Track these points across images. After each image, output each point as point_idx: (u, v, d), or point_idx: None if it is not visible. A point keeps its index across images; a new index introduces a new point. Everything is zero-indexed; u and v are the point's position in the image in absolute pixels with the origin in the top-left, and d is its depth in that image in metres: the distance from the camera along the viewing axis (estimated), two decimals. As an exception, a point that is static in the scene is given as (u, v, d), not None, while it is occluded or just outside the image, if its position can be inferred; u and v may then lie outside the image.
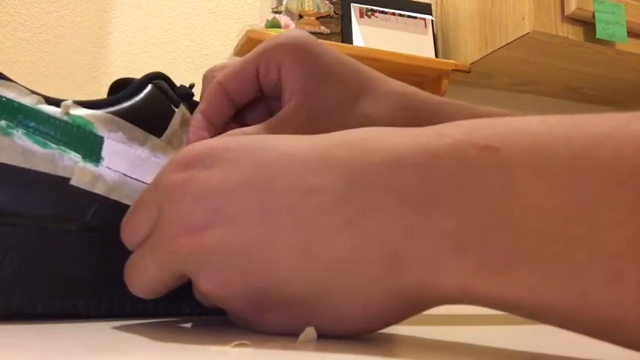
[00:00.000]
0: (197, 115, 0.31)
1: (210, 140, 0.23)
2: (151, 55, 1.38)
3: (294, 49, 0.31)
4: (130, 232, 0.24)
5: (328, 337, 0.21)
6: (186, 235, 0.20)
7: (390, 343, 0.22)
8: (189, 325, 0.26)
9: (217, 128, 0.32)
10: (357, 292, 0.20)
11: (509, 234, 0.17)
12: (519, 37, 1.35)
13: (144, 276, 0.23)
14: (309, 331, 0.20)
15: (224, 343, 0.19)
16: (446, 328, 0.29)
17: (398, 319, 0.21)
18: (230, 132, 0.31)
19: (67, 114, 0.28)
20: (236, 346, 0.18)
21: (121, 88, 0.33)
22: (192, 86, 0.34)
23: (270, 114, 0.34)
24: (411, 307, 0.20)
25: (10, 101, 0.26)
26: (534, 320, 0.18)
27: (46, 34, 1.30)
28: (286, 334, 0.21)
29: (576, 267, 0.16)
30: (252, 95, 0.33)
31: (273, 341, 0.20)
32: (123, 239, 0.24)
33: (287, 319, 0.21)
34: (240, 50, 1.42)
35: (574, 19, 1.35)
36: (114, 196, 0.28)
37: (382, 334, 0.24)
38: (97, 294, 0.27)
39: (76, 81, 1.31)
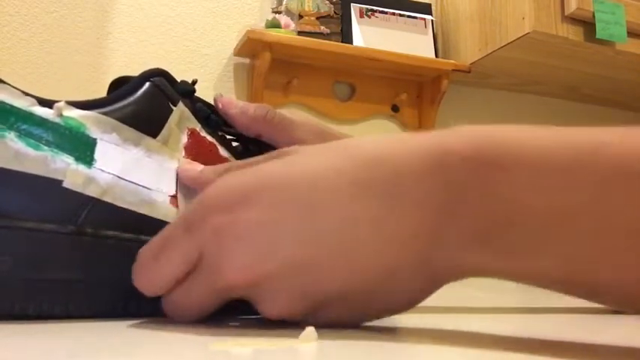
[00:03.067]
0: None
1: (237, 178, 0.25)
2: (151, 55, 1.38)
3: None
4: (159, 275, 0.25)
5: (328, 336, 0.21)
6: (245, 272, 0.23)
7: (391, 342, 0.22)
8: (189, 324, 0.26)
9: None
10: (399, 289, 0.24)
11: (515, 232, 0.22)
12: (519, 37, 1.34)
13: (196, 307, 0.25)
14: (310, 331, 0.20)
15: (224, 342, 0.19)
16: (447, 320, 0.29)
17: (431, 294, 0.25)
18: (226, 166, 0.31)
19: (60, 116, 0.27)
20: (236, 345, 0.18)
21: (121, 86, 0.33)
22: (194, 82, 0.34)
23: None
24: (441, 286, 0.25)
25: (2, 104, 0.26)
26: (538, 287, 0.23)
27: (46, 34, 1.30)
28: (289, 335, 0.21)
29: (568, 252, 0.21)
30: None
31: (273, 341, 0.20)
32: (146, 282, 0.25)
33: (339, 313, 0.24)
34: (241, 50, 1.42)
35: (574, 19, 1.35)
36: (107, 199, 0.28)
37: (383, 331, 0.24)
38: (88, 296, 0.27)
39: (76, 81, 1.30)
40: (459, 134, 0.24)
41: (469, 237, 0.23)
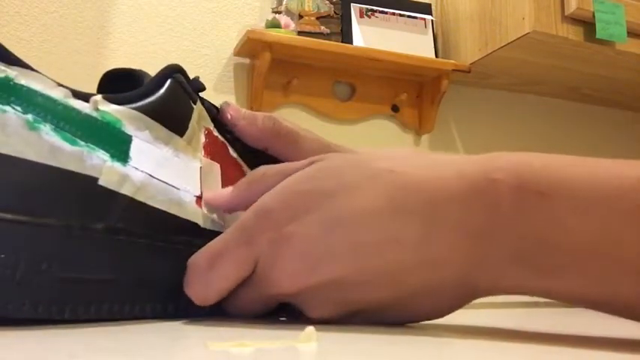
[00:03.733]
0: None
1: (279, 193, 0.27)
2: (151, 55, 1.38)
3: None
4: (213, 284, 0.26)
5: (328, 336, 0.21)
6: (293, 282, 0.25)
7: (391, 341, 0.22)
8: (188, 324, 0.26)
9: None
10: (436, 302, 0.26)
11: (554, 255, 0.23)
12: (519, 37, 1.34)
13: (244, 310, 0.28)
14: (310, 331, 0.20)
15: (224, 342, 0.19)
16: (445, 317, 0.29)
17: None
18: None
19: (97, 110, 0.26)
20: (236, 346, 0.18)
21: (115, 79, 0.32)
22: (195, 79, 0.33)
23: None
24: (478, 298, 0.26)
25: (38, 94, 0.24)
26: (577, 307, 0.25)
27: (46, 34, 1.30)
28: (289, 335, 0.21)
29: (603, 273, 0.22)
30: None
31: (273, 341, 0.20)
32: (199, 291, 0.26)
33: (375, 317, 0.26)
34: (241, 50, 1.42)
35: (574, 19, 1.35)
36: (139, 198, 0.26)
37: (383, 330, 0.24)
38: (120, 297, 0.26)
39: (76, 81, 1.30)
40: (499, 163, 0.25)
41: (508, 259, 0.24)
